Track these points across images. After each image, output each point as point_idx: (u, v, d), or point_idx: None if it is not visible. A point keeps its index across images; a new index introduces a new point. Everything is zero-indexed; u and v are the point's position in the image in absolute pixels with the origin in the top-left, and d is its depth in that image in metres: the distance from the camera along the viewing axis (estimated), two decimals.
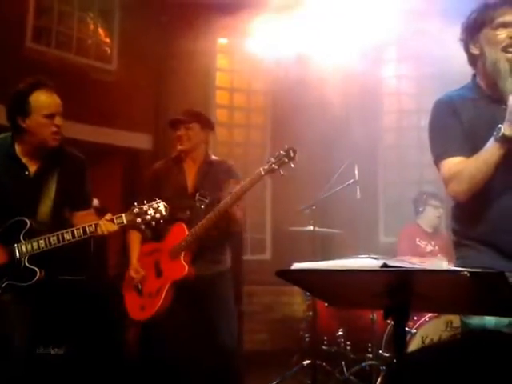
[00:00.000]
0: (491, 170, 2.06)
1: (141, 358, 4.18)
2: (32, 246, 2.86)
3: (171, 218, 3.52)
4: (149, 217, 2.92)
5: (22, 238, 2.88)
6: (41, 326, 3.09)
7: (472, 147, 2.13)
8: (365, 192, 4.78)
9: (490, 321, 2.03)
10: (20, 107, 2.87)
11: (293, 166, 3.27)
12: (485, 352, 1.93)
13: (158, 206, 2.94)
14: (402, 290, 1.50)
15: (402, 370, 1.64)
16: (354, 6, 5.93)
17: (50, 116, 2.89)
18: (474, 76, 2.29)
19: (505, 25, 2.13)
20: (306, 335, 4.92)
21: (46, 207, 2.95)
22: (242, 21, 5.95)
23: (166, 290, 3.47)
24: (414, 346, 3.74)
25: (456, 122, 2.20)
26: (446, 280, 1.46)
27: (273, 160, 3.29)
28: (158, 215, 2.93)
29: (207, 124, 3.74)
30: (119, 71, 6.67)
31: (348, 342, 4.67)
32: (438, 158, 2.23)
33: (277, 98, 7.24)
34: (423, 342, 3.77)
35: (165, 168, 3.75)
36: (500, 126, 2.02)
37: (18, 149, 2.97)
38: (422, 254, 4.93)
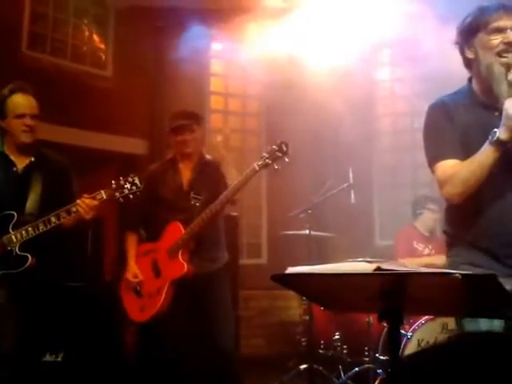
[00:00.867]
0: (485, 173, 2.07)
1: (139, 361, 4.18)
2: (21, 235, 3.02)
3: (167, 218, 3.56)
4: (126, 190, 3.08)
5: (10, 230, 3.03)
6: (39, 331, 3.14)
7: (464, 152, 2.15)
8: (360, 195, 4.78)
9: (484, 322, 2.05)
10: (0, 110, 3.14)
11: (287, 160, 3.30)
12: (481, 354, 1.94)
13: (134, 180, 3.10)
14: (395, 293, 1.51)
15: (399, 373, 1.65)
16: (349, 10, 5.94)
17: (21, 116, 3.10)
18: (470, 80, 2.31)
19: (499, 30, 2.14)
20: (303, 339, 4.91)
21: (33, 203, 3.12)
22: (235, 26, 5.97)
23: (165, 289, 3.48)
24: (410, 349, 3.75)
25: (450, 126, 2.21)
26: (439, 282, 1.48)
27: (266, 155, 3.32)
28: (134, 188, 3.09)
29: (203, 123, 3.82)
30: (114, 77, 6.69)
31: (345, 346, 4.65)
32: (432, 161, 2.24)
33: (271, 102, 7.23)
34: (419, 345, 3.77)
35: (161, 169, 3.78)
36: (495, 130, 2.04)
37: (5, 147, 3.20)
38: (419, 257, 4.93)
